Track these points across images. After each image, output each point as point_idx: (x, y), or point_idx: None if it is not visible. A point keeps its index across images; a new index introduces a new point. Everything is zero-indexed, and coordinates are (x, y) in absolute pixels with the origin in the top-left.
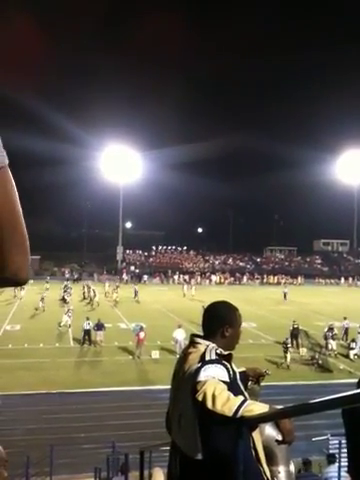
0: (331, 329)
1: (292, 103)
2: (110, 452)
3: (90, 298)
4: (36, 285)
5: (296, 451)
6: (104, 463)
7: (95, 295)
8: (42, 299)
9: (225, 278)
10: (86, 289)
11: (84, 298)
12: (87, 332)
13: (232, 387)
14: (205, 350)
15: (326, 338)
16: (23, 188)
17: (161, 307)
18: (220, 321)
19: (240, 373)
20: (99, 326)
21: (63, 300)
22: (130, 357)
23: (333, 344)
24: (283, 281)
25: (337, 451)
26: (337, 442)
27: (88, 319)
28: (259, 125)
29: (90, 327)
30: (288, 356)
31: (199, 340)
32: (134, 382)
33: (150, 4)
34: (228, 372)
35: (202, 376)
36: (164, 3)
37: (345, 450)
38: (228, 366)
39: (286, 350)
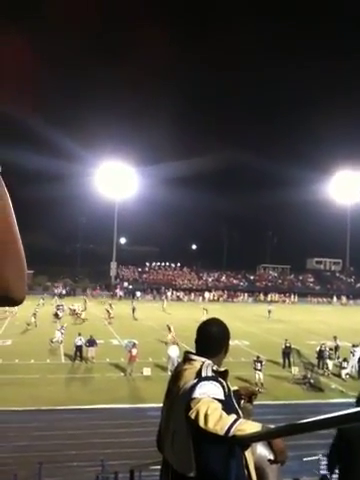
0: (325, 350)
1: (288, 122)
2: (100, 471)
3: (77, 314)
4: (29, 300)
5: (287, 471)
6: None
7: (84, 310)
8: (34, 314)
9: (219, 295)
10: (77, 305)
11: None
12: (79, 348)
13: (227, 405)
14: (201, 366)
15: (320, 357)
16: (18, 203)
17: (154, 324)
18: (221, 339)
19: (233, 392)
20: (91, 342)
21: (56, 316)
22: (122, 374)
23: (329, 364)
24: (276, 299)
25: (328, 472)
26: (327, 462)
27: (80, 335)
28: (254, 143)
29: (82, 343)
30: (257, 375)
31: (194, 357)
32: (125, 400)
33: (145, 20)
34: (223, 389)
35: (197, 393)
36: (160, 19)
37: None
38: (224, 383)
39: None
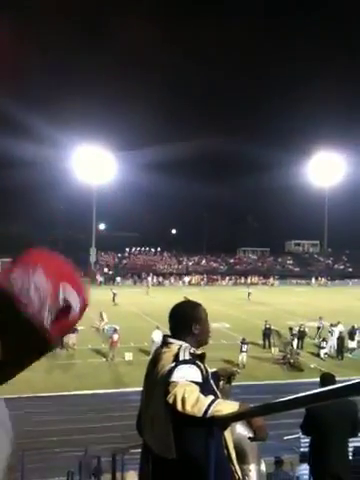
0: (303, 330)
1: (265, 105)
2: (82, 456)
3: None
4: None
5: (268, 450)
6: (76, 467)
7: None
8: None
9: (200, 279)
10: None
11: None
12: None
13: (205, 387)
14: (178, 350)
15: (299, 338)
16: None
17: (135, 309)
18: (186, 319)
19: (212, 373)
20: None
21: None
22: (103, 359)
23: (294, 344)
24: (256, 282)
25: (308, 449)
26: (308, 440)
27: None
28: (232, 127)
29: None
30: (241, 357)
31: (172, 340)
32: (107, 385)
33: (124, 4)
34: (201, 372)
35: (175, 377)
36: (140, 2)
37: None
38: (201, 366)
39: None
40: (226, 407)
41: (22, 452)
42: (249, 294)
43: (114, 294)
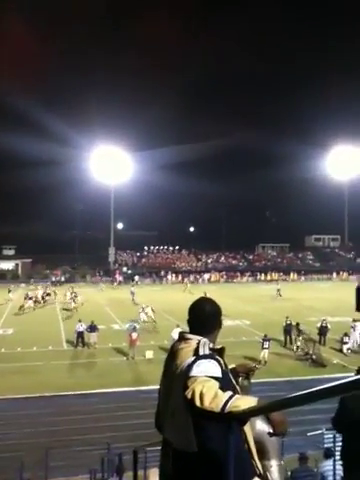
0: (326, 326)
1: (282, 100)
2: (105, 453)
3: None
4: (28, 289)
5: (292, 446)
6: (99, 464)
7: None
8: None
9: (220, 276)
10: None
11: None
12: (80, 334)
13: (224, 382)
14: (198, 345)
15: (321, 334)
16: (12, 190)
17: (154, 307)
18: (213, 316)
19: (230, 370)
20: (92, 328)
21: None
22: (124, 358)
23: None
24: (276, 278)
25: (332, 445)
26: (332, 436)
27: (80, 321)
28: (249, 123)
29: (83, 329)
30: (263, 353)
31: (190, 336)
32: (128, 383)
33: (143, 3)
34: (221, 367)
35: (194, 371)
36: (157, 3)
37: (340, 444)
38: (221, 361)
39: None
40: (244, 402)
41: (46, 450)
42: (278, 290)
43: (132, 293)
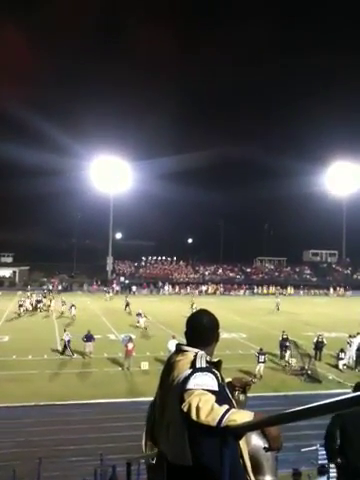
0: (322, 341)
1: (282, 114)
2: (98, 464)
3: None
4: (23, 296)
5: (286, 462)
6: (92, 476)
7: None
8: (20, 306)
9: (216, 289)
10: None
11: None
12: (67, 343)
13: (221, 396)
14: (195, 357)
15: (317, 349)
16: (12, 198)
17: (151, 318)
18: (211, 329)
19: (227, 384)
20: (88, 337)
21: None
22: (119, 368)
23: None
24: (274, 292)
25: (326, 462)
26: (325, 453)
27: (66, 330)
28: (249, 136)
29: (69, 338)
30: (258, 367)
31: (187, 348)
32: (123, 394)
33: (141, 15)
34: (218, 380)
35: (191, 384)
36: (155, 15)
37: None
38: (218, 374)
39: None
40: (240, 417)
41: (39, 460)
42: (278, 304)
43: (127, 303)
